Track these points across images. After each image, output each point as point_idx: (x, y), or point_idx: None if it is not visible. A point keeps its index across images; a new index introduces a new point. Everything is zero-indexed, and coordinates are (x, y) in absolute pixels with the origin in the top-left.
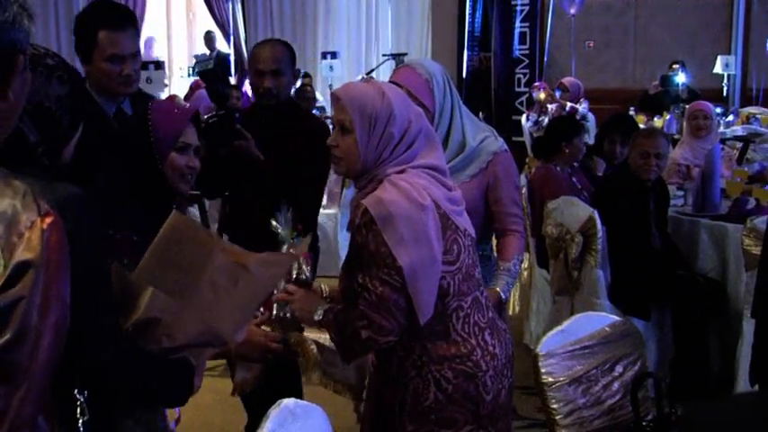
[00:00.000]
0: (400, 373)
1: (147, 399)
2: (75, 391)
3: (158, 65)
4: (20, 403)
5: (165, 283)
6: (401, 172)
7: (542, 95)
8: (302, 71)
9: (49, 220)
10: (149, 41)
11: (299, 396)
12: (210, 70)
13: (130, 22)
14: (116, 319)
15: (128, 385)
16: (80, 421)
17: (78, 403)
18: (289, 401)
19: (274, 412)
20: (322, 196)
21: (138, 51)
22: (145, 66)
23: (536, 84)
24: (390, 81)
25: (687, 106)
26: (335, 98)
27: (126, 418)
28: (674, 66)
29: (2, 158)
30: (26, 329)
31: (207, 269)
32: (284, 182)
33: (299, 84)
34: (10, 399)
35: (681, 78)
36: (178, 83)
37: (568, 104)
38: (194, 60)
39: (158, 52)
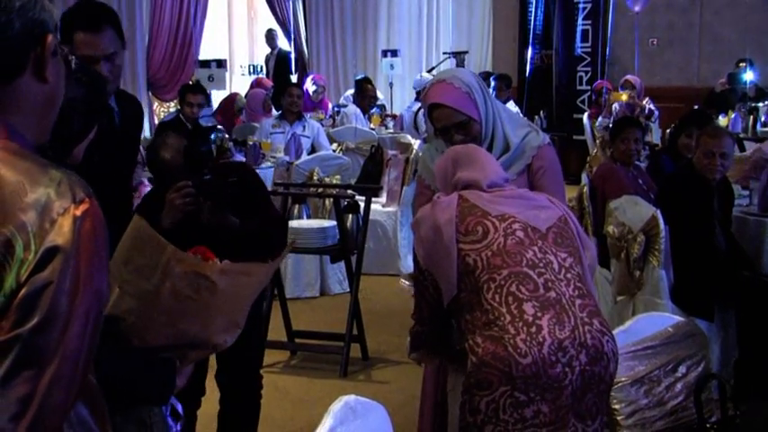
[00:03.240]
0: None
1: (124, 393)
2: None
3: (220, 63)
4: (47, 389)
5: (129, 287)
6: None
7: (624, 96)
8: (362, 73)
9: (83, 207)
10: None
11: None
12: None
13: (108, 22)
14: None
15: (102, 375)
16: None
17: None
18: (349, 398)
19: (335, 408)
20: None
21: (116, 52)
22: (207, 64)
23: (598, 82)
24: (430, 103)
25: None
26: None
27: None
28: (740, 64)
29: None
30: (54, 315)
31: (167, 278)
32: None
33: (359, 75)
34: (36, 383)
35: (749, 76)
36: (239, 81)
37: (647, 107)
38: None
39: (219, 51)
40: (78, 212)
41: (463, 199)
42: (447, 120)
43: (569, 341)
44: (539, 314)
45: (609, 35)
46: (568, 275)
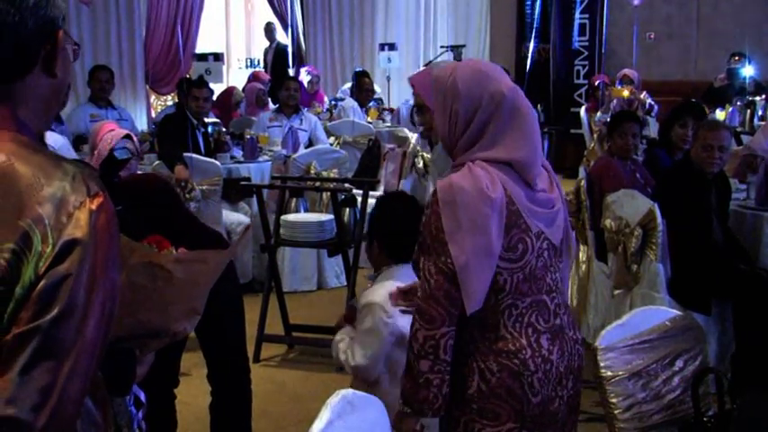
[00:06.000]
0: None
1: None
2: None
3: (217, 56)
4: (66, 380)
5: None
6: (486, 161)
7: (625, 93)
8: (359, 67)
9: (98, 201)
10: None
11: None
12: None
13: None
14: None
15: None
16: None
17: None
18: (347, 392)
19: (333, 402)
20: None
21: None
22: (204, 57)
23: (596, 76)
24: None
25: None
26: (411, 84)
27: None
28: (735, 58)
29: None
30: (73, 306)
31: (121, 269)
32: None
33: (358, 68)
34: (56, 374)
35: (747, 71)
36: (236, 74)
37: (647, 101)
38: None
39: (217, 44)
40: (93, 206)
41: (509, 199)
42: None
43: (565, 372)
44: (551, 347)
45: (606, 29)
46: (562, 288)
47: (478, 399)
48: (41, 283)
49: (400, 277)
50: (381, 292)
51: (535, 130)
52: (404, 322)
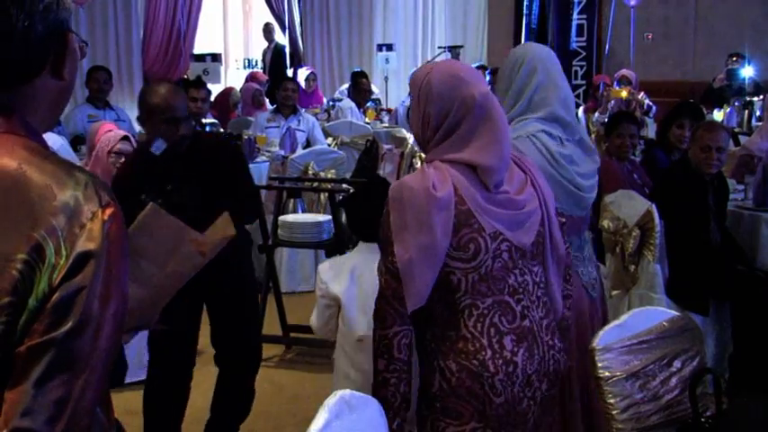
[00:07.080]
0: (417, 357)
1: None
2: None
3: (215, 57)
4: (80, 392)
5: (132, 271)
6: (446, 162)
7: (623, 93)
8: (356, 68)
9: (109, 211)
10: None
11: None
12: None
13: None
14: None
15: None
16: None
17: None
18: (344, 392)
19: (331, 403)
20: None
21: None
22: (202, 58)
23: (596, 77)
24: None
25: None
26: None
27: None
28: (733, 58)
29: None
30: (88, 319)
31: (172, 259)
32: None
33: (356, 68)
34: (71, 387)
35: (747, 72)
36: (234, 75)
37: (645, 102)
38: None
39: (214, 45)
40: (106, 216)
41: (459, 198)
42: None
43: (535, 375)
44: (515, 349)
45: (605, 29)
46: (539, 292)
47: (441, 397)
48: (55, 295)
49: (361, 254)
50: (327, 262)
51: (505, 138)
52: (338, 288)
